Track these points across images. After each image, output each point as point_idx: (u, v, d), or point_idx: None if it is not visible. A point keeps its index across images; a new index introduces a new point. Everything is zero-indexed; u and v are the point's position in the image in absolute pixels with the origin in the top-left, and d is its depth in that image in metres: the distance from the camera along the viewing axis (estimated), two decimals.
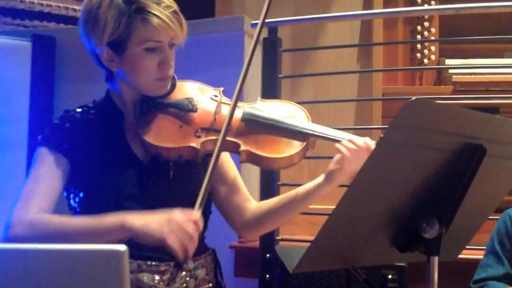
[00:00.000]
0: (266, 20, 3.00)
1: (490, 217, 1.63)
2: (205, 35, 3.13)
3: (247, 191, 1.76)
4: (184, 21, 1.57)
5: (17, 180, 3.23)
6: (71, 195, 1.59)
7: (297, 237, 2.90)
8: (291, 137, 1.62)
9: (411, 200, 1.29)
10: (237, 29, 3.14)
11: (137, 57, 1.53)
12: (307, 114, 1.71)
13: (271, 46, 2.92)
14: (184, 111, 1.61)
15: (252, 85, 3.09)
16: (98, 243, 1.40)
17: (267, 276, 2.72)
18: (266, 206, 1.71)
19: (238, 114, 1.62)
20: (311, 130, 1.64)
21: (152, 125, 1.59)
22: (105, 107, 1.64)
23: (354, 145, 1.59)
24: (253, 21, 3.02)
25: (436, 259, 1.31)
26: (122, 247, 0.87)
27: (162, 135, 1.57)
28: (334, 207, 1.27)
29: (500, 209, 1.92)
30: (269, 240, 2.73)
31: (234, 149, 1.61)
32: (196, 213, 1.43)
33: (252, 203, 1.74)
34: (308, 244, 1.28)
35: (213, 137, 1.58)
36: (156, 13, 1.50)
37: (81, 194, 1.57)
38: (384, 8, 3.69)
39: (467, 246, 1.57)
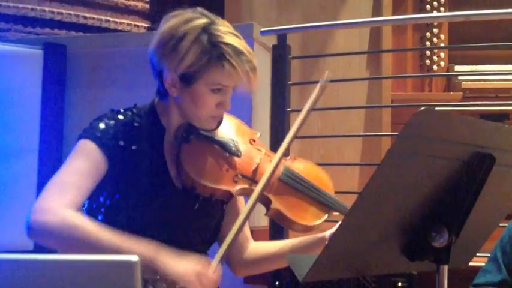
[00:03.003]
0: (275, 28, 3.04)
1: (500, 224, 1.63)
2: None
3: (249, 231, 1.80)
4: (256, 77, 1.59)
5: (28, 187, 3.25)
6: (100, 197, 1.59)
7: None
8: (317, 207, 1.67)
9: (420, 209, 1.29)
10: (246, 36, 3.14)
11: (201, 94, 1.56)
12: (332, 185, 1.75)
13: (280, 53, 2.93)
14: (228, 152, 1.63)
15: (261, 92, 3.11)
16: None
17: (277, 283, 2.72)
18: (263, 251, 1.76)
19: (277, 172, 1.65)
20: (337, 205, 1.69)
21: (195, 157, 1.60)
22: (149, 118, 1.63)
23: None
24: (262, 29, 3.03)
25: (445, 268, 1.31)
26: (135, 257, 0.88)
27: (202, 171, 1.59)
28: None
29: (510, 216, 1.92)
30: None
31: (264, 203, 1.64)
32: (218, 269, 1.49)
33: (251, 243, 1.78)
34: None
35: (250, 186, 1.61)
36: (234, 63, 1.53)
37: (108, 201, 1.58)
38: (393, 15, 3.70)
39: (477, 254, 1.57)
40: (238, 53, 1.54)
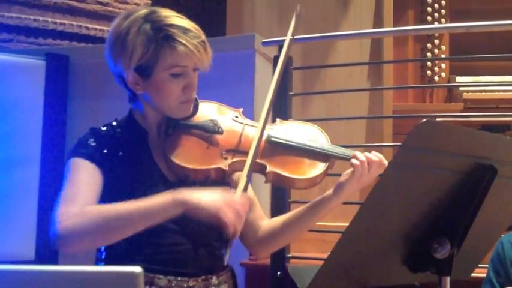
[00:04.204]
0: (276, 39, 3.05)
1: (502, 235, 1.63)
2: (217, 53, 3.15)
3: (261, 209, 1.78)
4: (209, 50, 1.61)
5: (30, 197, 3.26)
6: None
7: (308, 254, 2.90)
8: (314, 158, 1.66)
9: (422, 220, 1.30)
10: (248, 47, 3.17)
11: (163, 81, 1.58)
12: (326, 135, 1.75)
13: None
14: (209, 133, 1.65)
15: (263, 103, 3.11)
16: (150, 224, 1.45)
17: None
18: (276, 223, 1.74)
19: (263, 137, 1.66)
20: (332, 152, 1.68)
21: (179, 147, 1.62)
22: (129, 126, 1.66)
23: (368, 159, 1.63)
24: (263, 40, 3.04)
25: (447, 279, 1.32)
26: (137, 269, 0.88)
27: (189, 156, 1.60)
28: (344, 224, 1.28)
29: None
30: (280, 258, 2.73)
31: (260, 170, 1.65)
32: (240, 195, 1.51)
33: (265, 221, 1.77)
34: (319, 262, 1.29)
35: (240, 158, 1.62)
36: (182, 41, 1.55)
37: None
38: (394, 26, 3.71)
39: (480, 265, 1.57)
40: (184, 30, 1.56)
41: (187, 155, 1.60)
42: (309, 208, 1.69)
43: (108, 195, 1.58)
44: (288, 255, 2.84)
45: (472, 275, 1.56)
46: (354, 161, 1.62)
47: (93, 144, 1.59)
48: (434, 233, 1.29)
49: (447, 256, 1.29)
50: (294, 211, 1.73)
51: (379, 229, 1.28)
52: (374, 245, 1.31)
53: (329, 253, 1.27)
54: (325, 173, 1.66)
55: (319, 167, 1.65)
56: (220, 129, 1.65)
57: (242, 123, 1.70)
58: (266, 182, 1.66)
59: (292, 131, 1.72)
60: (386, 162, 1.63)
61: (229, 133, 1.66)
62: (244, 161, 1.58)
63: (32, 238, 3.21)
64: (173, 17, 1.59)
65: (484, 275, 2.11)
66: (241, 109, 1.76)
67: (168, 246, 1.58)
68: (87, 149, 1.58)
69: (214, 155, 1.62)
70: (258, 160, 1.62)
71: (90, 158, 1.57)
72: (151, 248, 1.56)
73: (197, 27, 1.60)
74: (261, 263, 2.90)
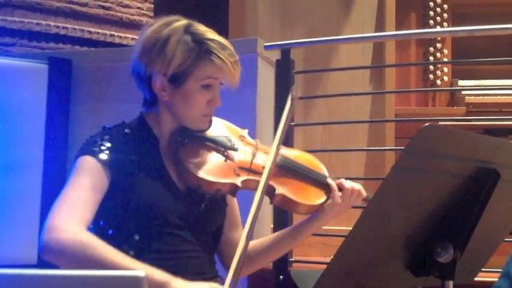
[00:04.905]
0: (279, 43, 3.06)
1: (506, 239, 1.62)
2: None
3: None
4: (239, 70, 1.66)
5: (32, 200, 3.26)
6: (107, 211, 1.60)
7: (311, 258, 2.89)
8: (318, 187, 1.73)
9: (425, 224, 1.30)
10: (250, 51, 3.17)
11: (193, 92, 1.61)
12: (325, 168, 1.81)
13: (284, 68, 2.94)
14: (225, 148, 1.68)
15: (265, 107, 3.11)
16: None
17: None
18: (258, 245, 1.78)
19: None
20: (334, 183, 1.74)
21: (196, 157, 1.64)
22: (140, 130, 1.67)
23: (351, 187, 1.73)
24: (266, 44, 3.05)
25: (451, 283, 1.31)
26: (141, 273, 0.88)
27: (206, 168, 1.62)
28: (347, 228, 1.28)
29: None
30: (282, 262, 2.72)
31: (269, 192, 1.67)
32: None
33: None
34: (321, 266, 1.29)
35: (253, 177, 1.65)
36: (221, 56, 1.60)
37: (116, 214, 1.59)
38: (397, 29, 3.71)
39: (483, 269, 1.56)
40: (223, 47, 1.62)
41: (204, 167, 1.62)
42: (289, 232, 1.76)
43: (114, 197, 1.57)
44: (291, 259, 2.83)
45: (475, 279, 1.56)
46: (342, 185, 1.72)
47: (108, 144, 1.59)
48: (437, 237, 1.29)
49: (450, 260, 1.29)
50: (275, 234, 1.79)
51: (382, 233, 1.28)
52: (377, 249, 1.30)
53: (332, 257, 1.27)
54: (325, 203, 1.73)
55: (324, 197, 1.72)
56: (235, 146, 1.69)
57: (251, 144, 1.74)
58: (271, 203, 1.70)
59: (297, 158, 1.77)
60: (364, 194, 1.74)
61: (243, 152, 1.70)
62: (256, 180, 1.61)
63: (34, 242, 3.20)
64: (211, 33, 1.65)
65: (487, 279, 2.10)
66: (247, 130, 1.80)
67: (169, 253, 1.58)
68: (100, 149, 1.58)
69: (229, 170, 1.65)
70: (268, 182, 1.63)
71: (102, 159, 1.57)
72: (152, 253, 1.57)
73: (231, 45, 1.66)
74: (263, 267, 2.89)
